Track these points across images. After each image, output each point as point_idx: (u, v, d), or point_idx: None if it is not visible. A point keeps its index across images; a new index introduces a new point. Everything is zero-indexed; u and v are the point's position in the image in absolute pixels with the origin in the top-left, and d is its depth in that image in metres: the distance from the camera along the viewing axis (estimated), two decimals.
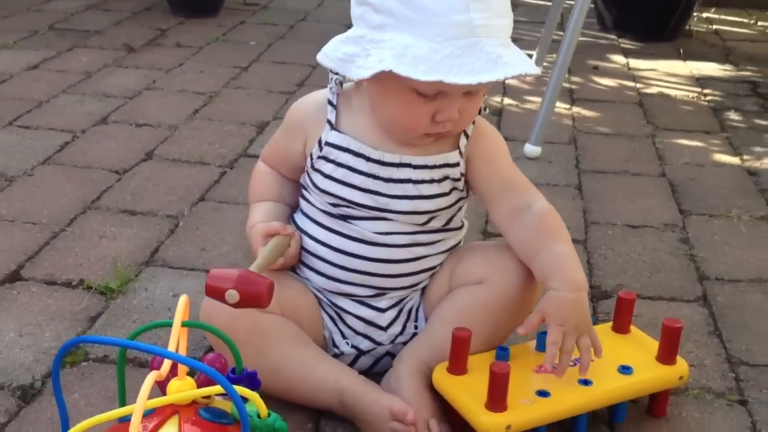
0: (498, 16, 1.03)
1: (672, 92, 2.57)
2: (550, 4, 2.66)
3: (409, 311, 1.21)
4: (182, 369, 0.82)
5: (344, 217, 1.16)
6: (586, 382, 1.09)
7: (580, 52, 2.41)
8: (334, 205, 1.16)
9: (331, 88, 1.16)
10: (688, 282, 1.51)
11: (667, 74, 2.74)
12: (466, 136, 1.15)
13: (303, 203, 1.21)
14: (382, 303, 1.19)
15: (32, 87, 2.37)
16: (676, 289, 1.48)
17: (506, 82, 2.55)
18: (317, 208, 1.18)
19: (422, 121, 1.08)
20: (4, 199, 1.71)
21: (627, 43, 3.08)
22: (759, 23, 3.46)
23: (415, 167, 1.13)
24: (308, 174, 1.17)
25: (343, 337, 1.20)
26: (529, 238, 1.12)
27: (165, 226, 1.63)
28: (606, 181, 1.93)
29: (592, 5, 3.14)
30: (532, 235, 1.12)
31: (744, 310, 1.43)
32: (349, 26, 1.09)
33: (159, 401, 0.79)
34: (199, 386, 0.82)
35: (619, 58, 2.90)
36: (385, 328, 1.19)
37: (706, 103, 2.48)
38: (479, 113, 1.15)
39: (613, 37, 3.15)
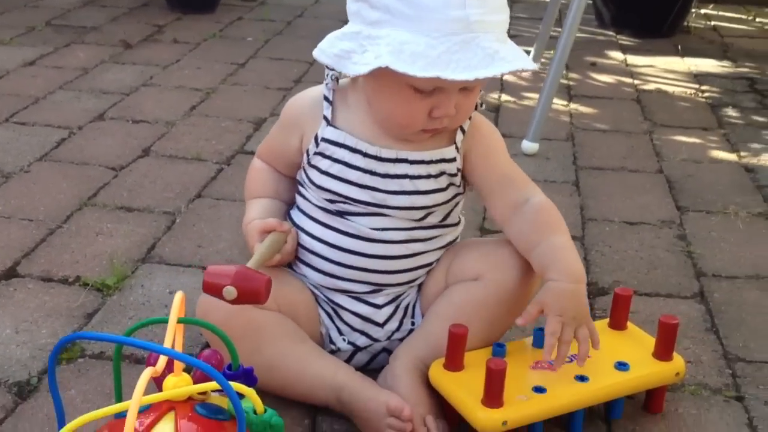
0: (494, 12, 1.02)
1: (670, 89, 2.57)
2: (548, 0, 2.66)
3: (406, 307, 1.21)
4: (178, 365, 0.82)
5: (341, 213, 1.16)
6: (582, 378, 1.09)
7: (577, 48, 2.41)
8: (331, 201, 1.16)
9: (327, 84, 1.16)
10: (685, 278, 1.51)
11: (665, 71, 2.74)
12: (463, 131, 1.15)
13: (299, 199, 1.21)
14: (379, 299, 1.19)
15: (29, 83, 2.37)
16: (673, 286, 1.48)
17: (503, 78, 2.55)
18: (314, 204, 1.18)
19: (419, 117, 1.08)
20: (1, 196, 1.71)
21: (625, 40, 3.07)
22: (757, 19, 3.46)
23: (412, 162, 1.13)
24: (304, 170, 1.17)
25: (340, 333, 1.20)
26: (528, 231, 1.13)
27: (161, 222, 1.63)
28: (603, 178, 1.93)
29: (590, 1, 3.14)
30: (531, 228, 1.12)
31: (741, 307, 1.43)
32: (346, 22, 1.09)
33: (155, 397, 0.79)
34: (195, 382, 0.82)
35: (617, 55, 2.90)
36: (381, 325, 1.19)
37: (703, 100, 2.48)
38: (476, 109, 1.15)
39: (610, 33, 3.14)
